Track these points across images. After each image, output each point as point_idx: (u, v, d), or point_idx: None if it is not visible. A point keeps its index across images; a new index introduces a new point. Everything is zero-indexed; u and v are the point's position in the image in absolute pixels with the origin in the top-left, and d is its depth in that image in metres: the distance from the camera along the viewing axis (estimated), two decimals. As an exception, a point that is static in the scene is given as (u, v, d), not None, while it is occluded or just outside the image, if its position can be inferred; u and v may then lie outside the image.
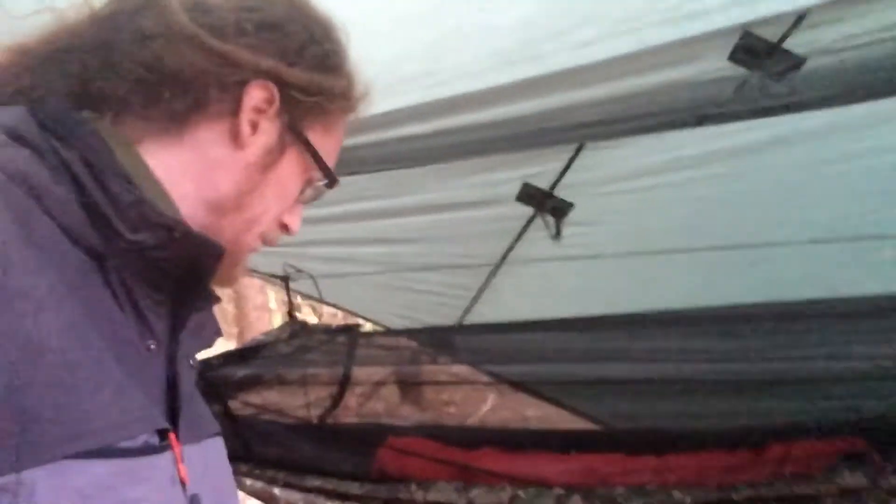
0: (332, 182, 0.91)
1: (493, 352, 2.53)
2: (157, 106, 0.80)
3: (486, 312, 2.62)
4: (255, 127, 0.82)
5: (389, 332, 2.73)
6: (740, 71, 1.64)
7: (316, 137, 0.87)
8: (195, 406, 0.84)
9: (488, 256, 2.50)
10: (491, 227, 2.41)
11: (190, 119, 0.81)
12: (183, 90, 0.79)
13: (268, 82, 0.81)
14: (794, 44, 1.61)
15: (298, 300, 2.83)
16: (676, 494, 1.89)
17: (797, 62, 1.63)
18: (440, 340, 2.57)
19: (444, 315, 2.68)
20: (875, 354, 1.78)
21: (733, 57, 1.62)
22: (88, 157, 0.73)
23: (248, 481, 2.47)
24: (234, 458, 1.10)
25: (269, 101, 0.82)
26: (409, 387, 3.06)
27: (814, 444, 1.87)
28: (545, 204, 2.25)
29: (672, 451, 1.96)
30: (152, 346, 0.76)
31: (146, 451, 0.68)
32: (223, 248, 0.80)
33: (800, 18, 1.61)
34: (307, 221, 2.87)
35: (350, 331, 2.53)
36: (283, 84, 0.82)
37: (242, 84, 0.81)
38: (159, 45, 0.78)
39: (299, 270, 2.42)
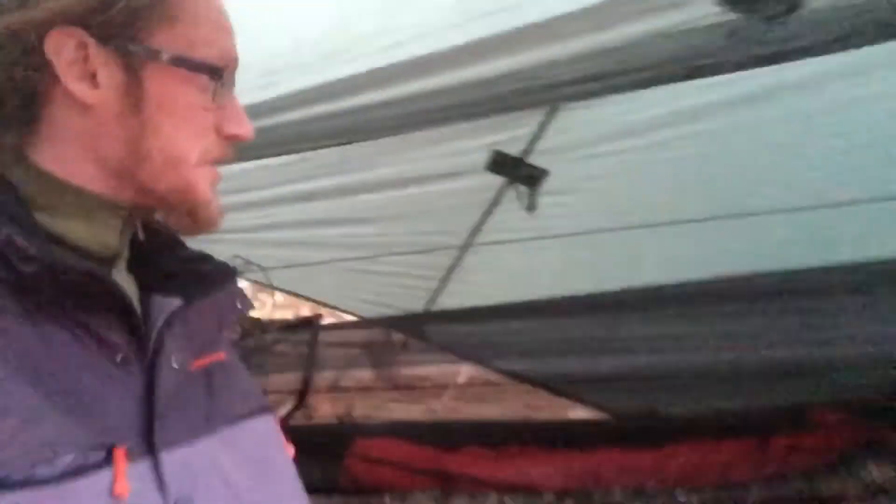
0: (215, 73, 0.78)
1: (471, 344, 2.35)
2: None
3: (459, 292, 2.44)
4: (91, 77, 0.72)
5: (353, 323, 2.52)
6: (731, 16, 1.47)
7: (167, 35, 0.74)
8: (184, 406, 0.79)
9: (457, 233, 2.32)
10: (458, 200, 2.22)
11: (32, 112, 0.74)
12: None
13: (60, 28, 0.70)
14: (792, -18, 1.44)
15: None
16: (679, 495, 1.73)
17: (794, 4, 1.47)
18: (409, 330, 2.38)
19: (411, 298, 2.50)
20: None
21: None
22: None
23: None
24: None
25: (81, 45, 0.71)
26: (380, 368, 2.87)
27: (827, 432, 1.70)
28: (517, 172, 2.07)
29: (671, 443, 1.81)
30: (119, 358, 0.74)
31: (70, 473, 0.66)
32: (101, 274, 0.74)
33: (798, -48, 1.43)
34: (256, 205, 2.62)
35: (311, 324, 2.32)
36: (75, 17, 0.71)
37: (38, 49, 0.71)
38: None
39: (249, 262, 2.21)
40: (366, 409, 2.99)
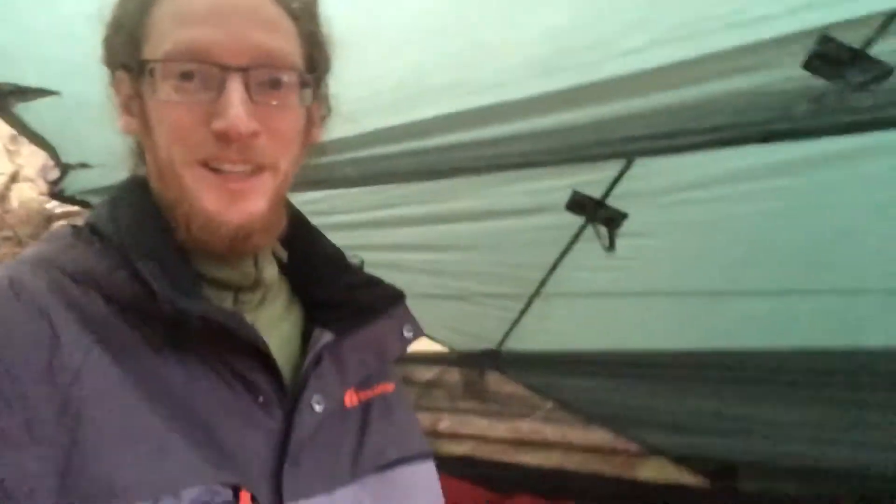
0: (144, 67, 0.74)
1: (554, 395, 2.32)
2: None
3: (533, 326, 2.48)
4: (128, 109, 0.81)
5: (433, 356, 2.57)
6: (817, 82, 1.44)
7: (148, 46, 0.75)
8: (325, 451, 0.76)
9: (536, 267, 2.36)
10: (539, 236, 2.26)
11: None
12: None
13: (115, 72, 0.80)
14: (882, 50, 1.40)
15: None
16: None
17: (885, 71, 1.42)
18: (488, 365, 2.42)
19: (488, 328, 2.56)
20: None
21: (809, 66, 1.42)
22: (124, 240, 0.74)
23: None
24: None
25: (117, 80, 0.80)
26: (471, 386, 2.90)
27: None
28: (597, 214, 2.09)
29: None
30: (261, 399, 0.74)
31: None
32: (228, 321, 0.72)
33: (889, 19, 1.40)
34: (347, 226, 2.76)
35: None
36: (111, 58, 0.80)
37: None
38: None
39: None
40: (452, 425, 3.01)
